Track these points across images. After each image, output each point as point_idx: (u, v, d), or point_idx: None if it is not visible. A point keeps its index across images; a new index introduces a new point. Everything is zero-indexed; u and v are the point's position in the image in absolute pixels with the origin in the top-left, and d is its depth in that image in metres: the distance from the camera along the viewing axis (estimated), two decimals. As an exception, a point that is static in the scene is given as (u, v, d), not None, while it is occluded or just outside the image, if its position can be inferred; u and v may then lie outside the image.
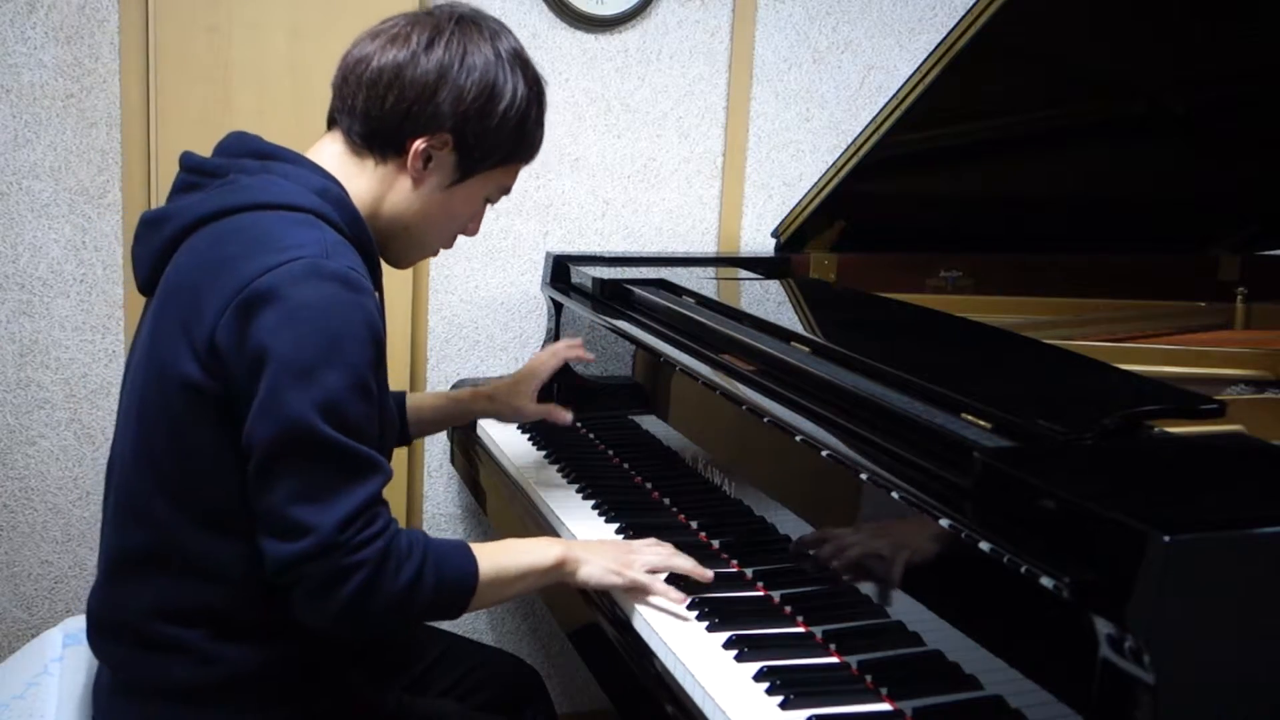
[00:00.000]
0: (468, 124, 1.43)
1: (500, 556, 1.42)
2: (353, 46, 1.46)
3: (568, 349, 1.96)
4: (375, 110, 1.43)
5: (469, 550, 1.39)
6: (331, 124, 1.49)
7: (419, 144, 1.43)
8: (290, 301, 1.27)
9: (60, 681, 1.50)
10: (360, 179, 1.45)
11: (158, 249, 1.41)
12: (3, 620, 2.42)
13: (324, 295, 1.28)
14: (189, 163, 1.45)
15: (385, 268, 1.52)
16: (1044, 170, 2.39)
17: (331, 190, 1.40)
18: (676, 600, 1.44)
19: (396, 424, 1.63)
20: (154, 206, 1.54)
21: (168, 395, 1.34)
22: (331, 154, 1.46)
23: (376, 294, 1.43)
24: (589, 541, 1.59)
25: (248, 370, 1.28)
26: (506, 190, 1.56)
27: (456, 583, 1.36)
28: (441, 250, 1.58)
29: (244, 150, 1.44)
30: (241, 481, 1.32)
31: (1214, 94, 2.22)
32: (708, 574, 1.49)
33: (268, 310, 1.27)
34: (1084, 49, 2.09)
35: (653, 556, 1.50)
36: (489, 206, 1.57)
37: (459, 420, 2.02)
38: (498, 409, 1.93)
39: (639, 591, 1.47)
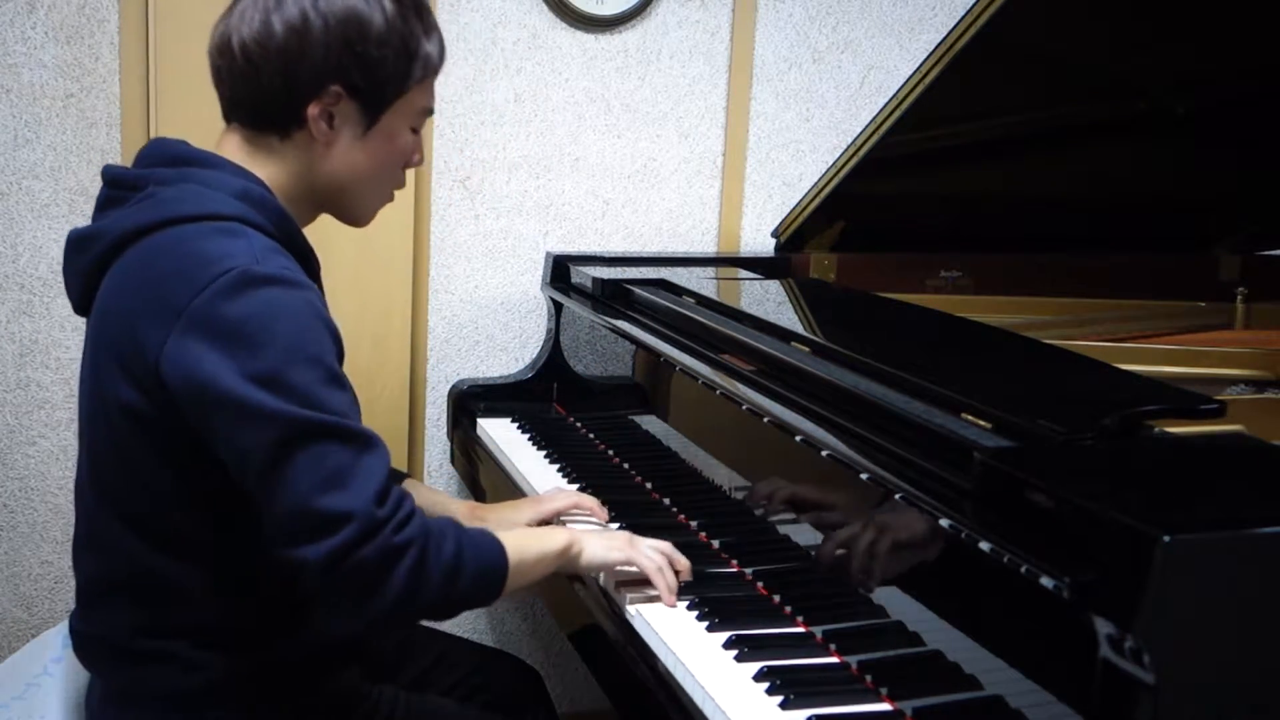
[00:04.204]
0: (349, 69, 1.35)
1: (518, 542, 1.41)
2: (211, 38, 1.38)
3: (584, 503, 1.75)
4: (255, 92, 1.36)
5: (494, 535, 1.38)
6: (227, 119, 1.42)
7: (313, 109, 1.35)
8: (231, 318, 1.23)
9: (60, 683, 1.50)
10: (274, 164, 1.39)
11: (85, 270, 1.37)
12: (3, 620, 2.42)
13: (265, 300, 1.24)
14: (109, 175, 1.40)
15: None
16: (1044, 170, 2.39)
17: (253, 191, 1.35)
18: (665, 590, 1.46)
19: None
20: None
21: (113, 424, 1.32)
22: (237, 148, 1.40)
23: (318, 288, 1.38)
24: (592, 530, 1.59)
25: (203, 399, 1.23)
26: (429, 111, 1.46)
27: (492, 565, 1.35)
28: (396, 194, 1.49)
29: (161, 158, 1.39)
30: (199, 505, 1.31)
31: (1214, 94, 2.22)
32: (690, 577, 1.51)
33: (211, 333, 1.23)
34: (1084, 49, 2.09)
35: (653, 553, 1.50)
36: (422, 134, 1.48)
37: None
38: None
39: (633, 570, 1.49)
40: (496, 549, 1.36)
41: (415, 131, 1.45)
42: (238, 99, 1.38)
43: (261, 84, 1.35)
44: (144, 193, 1.35)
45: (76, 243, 1.39)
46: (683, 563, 1.51)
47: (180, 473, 1.31)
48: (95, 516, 1.38)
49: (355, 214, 1.48)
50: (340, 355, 1.31)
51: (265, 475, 1.23)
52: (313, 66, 1.34)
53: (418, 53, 1.39)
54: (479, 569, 1.32)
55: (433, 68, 1.42)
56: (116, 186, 1.39)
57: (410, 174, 1.52)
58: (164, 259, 1.29)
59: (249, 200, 1.34)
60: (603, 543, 1.49)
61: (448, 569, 1.28)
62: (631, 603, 1.47)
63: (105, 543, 1.37)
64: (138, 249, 1.32)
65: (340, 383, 1.28)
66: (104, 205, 1.40)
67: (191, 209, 1.31)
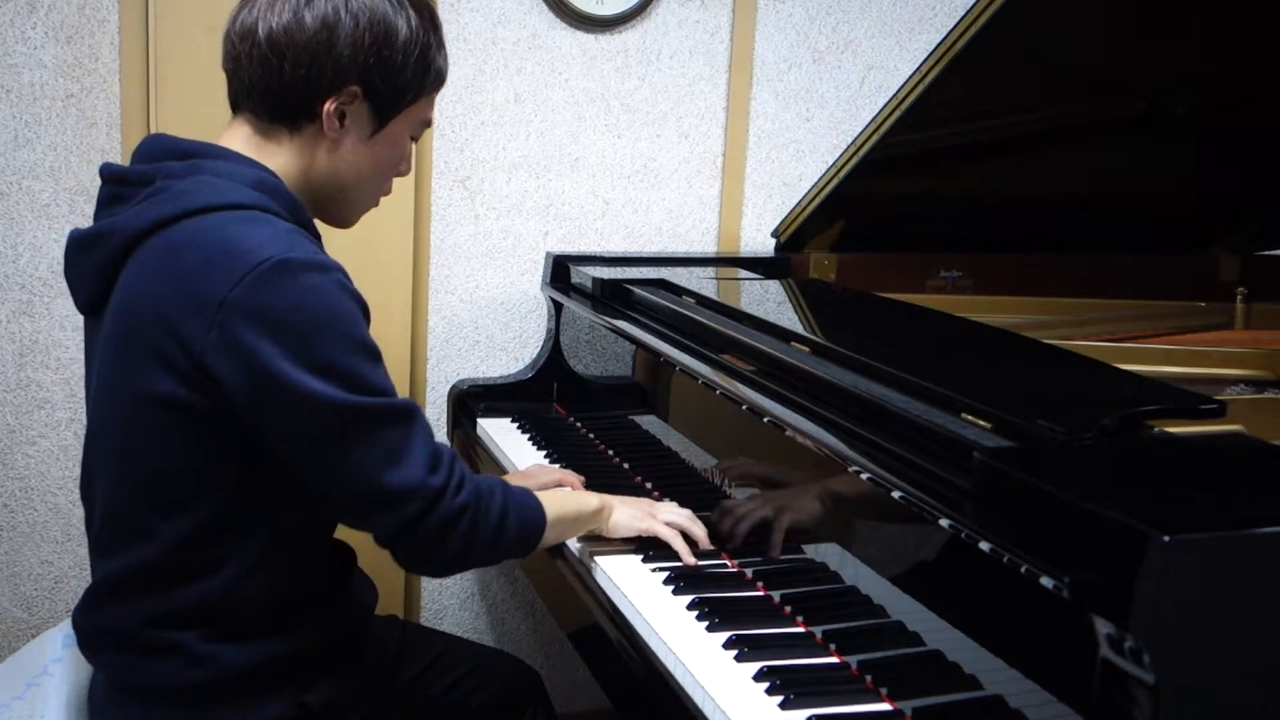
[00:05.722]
0: (371, 71, 1.38)
1: (558, 502, 1.55)
2: (232, 23, 1.40)
3: (566, 479, 1.81)
4: (275, 83, 1.37)
5: (534, 495, 1.50)
6: (236, 108, 1.44)
7: (330, 105, 1.38)
8: (277, 308, 1.26)
9: (60, 682, 1.50)
10: (279, 156, 1.41)
11: (99, 268, 1.36)
12: (3, 620, 2.42)
13: (306, 289, 1.27)
14: (110, 173, 1.41)
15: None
16: (1044, 170, 2.39)
17: (267, 180, 1.37)
18: (684, 552, 1.58)
19: None
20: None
21: (148, 419, 1.32)
22: (243, 138, 1.41)
23: None
24: (620, 497, 1.68)
25: (258, 389, 1.26)
26: (428, 124, 1.51)
27: (533, 522, 1.47)
28: (396, 194, 1.54)
29: (166, 152, 1.40)
30: (246, 485, 1.33)
31: (1214, 94, 2.22)
32: (709, 546, 1.62)
33: (258, 323, 1.25)
34: (1084, 49, 2.09)
35: (674, 516, 1.63)
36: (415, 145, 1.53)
37: None
38: None
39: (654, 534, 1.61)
40: (537, 508, 1.48)
41: (414, 140, 1.51)
42: (254, 87, 1.39)
43: (283, 75, 1.37)
44: (154, 187, 1.35)
45: (83, 242, 1.39)
46: (698, 533, 1.61)
47: (222, 457, 1.33)
48: (123, 509, 1.38)
49: (345, 215, 1.51)
50: (369, 322, 1.36)
51: (326, 460, 1.31)
52: (337, 64, 1.37)
53: (432, 64, 1.45)
54: (521, 526, 1.45)
55: (441, 80, 1.48)
56: (121, 183, 1.39)
57: (411, 173, 1.54)
58: (190, 250, 1.30)
59: (264, 189, 1.36)
60: (628, 511, 1.63)
61: (496, 527, 1.41)
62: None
63: (135, 533, 1.37)
64: (158, 242, 1.32)
65: (376, 355, 1.34)
66: (109, 203, 1.40)
67: (209, 199, 1.32)
